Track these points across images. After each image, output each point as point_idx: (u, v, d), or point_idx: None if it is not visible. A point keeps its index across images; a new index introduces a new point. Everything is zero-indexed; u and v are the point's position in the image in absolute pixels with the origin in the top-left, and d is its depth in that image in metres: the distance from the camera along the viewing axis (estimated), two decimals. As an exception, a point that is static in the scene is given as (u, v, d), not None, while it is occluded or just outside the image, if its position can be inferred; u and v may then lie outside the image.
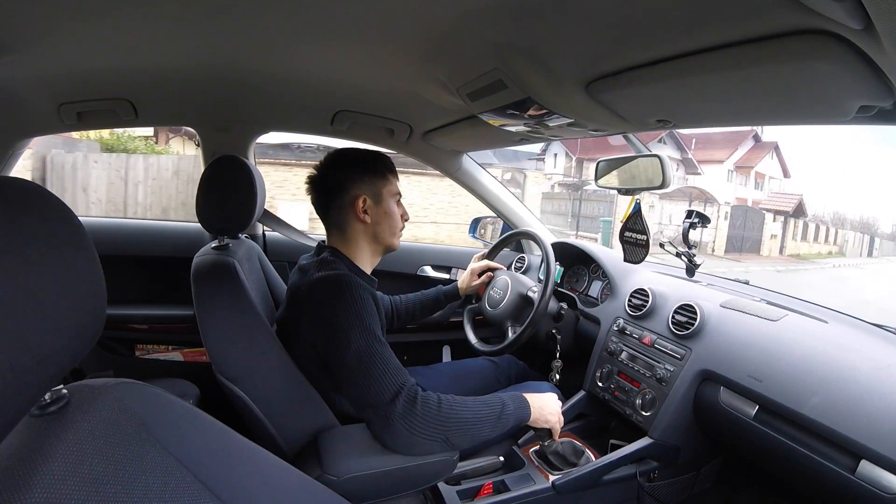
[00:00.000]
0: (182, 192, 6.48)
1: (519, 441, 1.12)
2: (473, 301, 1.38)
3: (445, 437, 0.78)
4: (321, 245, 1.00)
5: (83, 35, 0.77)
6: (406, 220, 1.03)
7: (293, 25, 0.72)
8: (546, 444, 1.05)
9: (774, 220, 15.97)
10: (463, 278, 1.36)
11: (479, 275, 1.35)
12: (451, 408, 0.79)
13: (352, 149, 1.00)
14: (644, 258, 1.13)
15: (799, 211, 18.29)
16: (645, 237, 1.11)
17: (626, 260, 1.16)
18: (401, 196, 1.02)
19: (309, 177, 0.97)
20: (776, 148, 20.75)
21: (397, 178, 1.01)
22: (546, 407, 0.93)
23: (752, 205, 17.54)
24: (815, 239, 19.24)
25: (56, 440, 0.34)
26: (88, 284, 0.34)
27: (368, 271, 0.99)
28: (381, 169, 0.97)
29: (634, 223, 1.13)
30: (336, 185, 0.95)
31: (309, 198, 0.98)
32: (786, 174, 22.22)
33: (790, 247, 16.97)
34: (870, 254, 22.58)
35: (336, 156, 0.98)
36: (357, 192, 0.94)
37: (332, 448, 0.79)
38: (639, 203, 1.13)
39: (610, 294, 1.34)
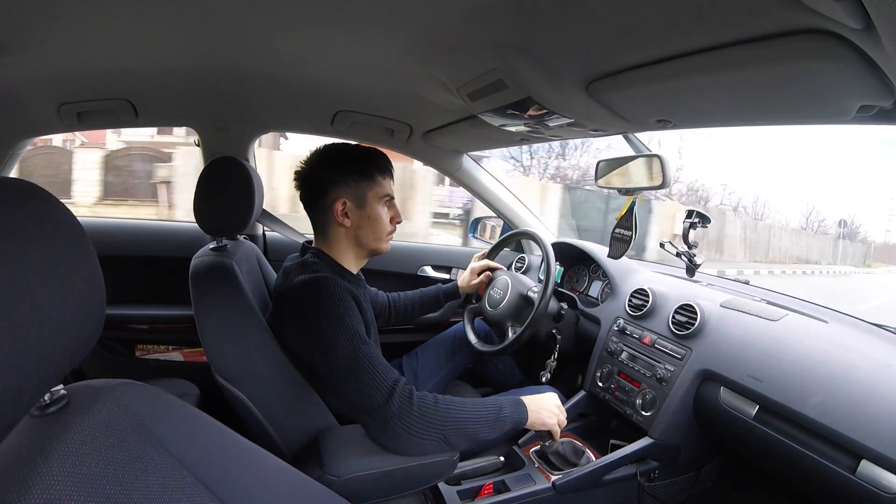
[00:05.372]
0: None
1: (519, 441, 1.12)
2: (473, 301, 1.38)
3: (443, 436, 0.78)
4: (305, 246, 0.98)
5: (83, 35, 0.77)
6: (397, 223, 0.98)
7: (293, 25, 0.72)
8: (547, 444, 1.05)
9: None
10: (463, 277, 1.36)
11: (479, 274, 1.35)
12: (448, 406, 0.79)
13: (340, 145, 0.95)
14: (623, 254, 1.14)
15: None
16: (630, 234, 1.12)
17: (609, 255, 1.16)
18: (391, 198, 0.97)
19: (296, 171, 0.94)
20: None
21: (389, 178, 0.96)
22: (543, 410, 0.90)
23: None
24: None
25: (56, 440, 0.34)
26: (88, 284, 0.34)
27: (354, 271, 0.97)
28: (368, 170, 0.92)
29: (626, 221, 1.14)
30: (318, 185, 0.91)
31: None
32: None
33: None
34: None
35: (322, 152, 0.93)
36: (337, 194, 0.90)
37: (332, 448, 0.79)
38: (634, 202, 1.14)
39: (610, 294, 1.34)
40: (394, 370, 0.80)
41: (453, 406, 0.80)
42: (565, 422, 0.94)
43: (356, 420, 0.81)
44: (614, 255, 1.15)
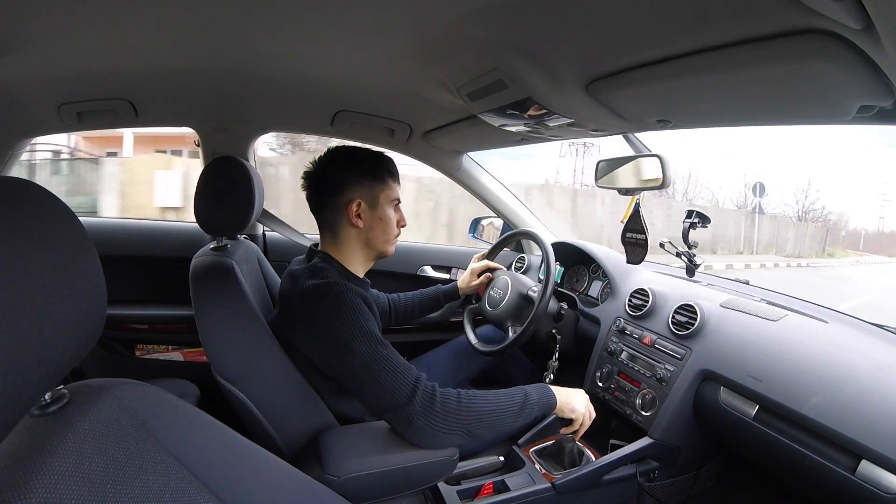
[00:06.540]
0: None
1: (519, 441, 1.12)
2: (473, 301, 1.38)
3: (467, 429, 0.78)
4: (312, 249, 0.99)
5: (83, 35, 0.77)
6: (402, 227, 1.00)
7: (293, 26, 0.72)
8: (566, 437, 1.02)
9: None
10: (463, 278, 1.36)
11: (479, 275, 1.34)
12: (471, 401, 0.80)
13: (353, 148, 0.98)
14: (644, 258, 1.13)
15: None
16: (644, 237, 1.11)
17: (628, 261, 1.16)
18: (399, 201, 0.99)
19: (305, 172, 0.95)
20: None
21: (397, 183, 0.98)
22: (573, 398, 0.91)
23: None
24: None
25: (56, 440, 0.34)
26: (88, 284, 0.34)
27: (361, 275, 0.98)
28: (381, 172, 0.95)
29: (634, 223, 1.13)
30: (332, 185, 0.93)
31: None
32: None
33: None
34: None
35: (336, 153, 0.95)
36: (352, 194, 0.92)
37: (332, 448, 0.79)
38: (638, 203, 1.13)
39: (610, 294, 1.34)
40: (413, 368, 0.80)
41: (477, 399, 0.80)
42: (590, 421, 0.94)
43: (379, 417, 0.82)
44: (634, 260, 1.14)
